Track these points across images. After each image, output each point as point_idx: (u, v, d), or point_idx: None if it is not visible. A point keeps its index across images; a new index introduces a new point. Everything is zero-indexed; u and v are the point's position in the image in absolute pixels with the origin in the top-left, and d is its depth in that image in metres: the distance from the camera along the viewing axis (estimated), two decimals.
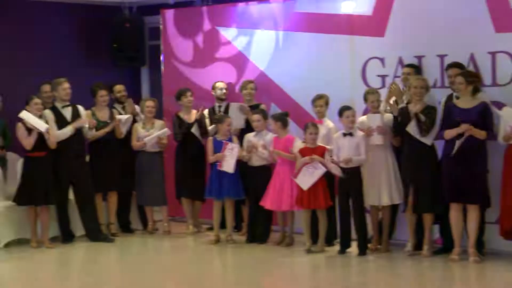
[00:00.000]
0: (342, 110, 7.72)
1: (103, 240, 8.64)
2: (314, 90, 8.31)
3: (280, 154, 8.04)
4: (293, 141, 8.08)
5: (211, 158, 8.45)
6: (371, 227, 7.91)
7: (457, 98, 7.35)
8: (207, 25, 9.67)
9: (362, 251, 7.67)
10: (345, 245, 7.79)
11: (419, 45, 7.92)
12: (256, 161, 8.34)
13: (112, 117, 8.85)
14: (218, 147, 8.33)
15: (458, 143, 7.01)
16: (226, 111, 8.88)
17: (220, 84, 9.13)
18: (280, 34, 9.02)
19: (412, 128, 7.37)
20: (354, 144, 7.61)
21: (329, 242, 8.04)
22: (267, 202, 8.11)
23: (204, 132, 8.90)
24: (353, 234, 7.82)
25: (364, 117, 7.87)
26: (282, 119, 8.15)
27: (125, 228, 9.26)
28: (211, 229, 8.88)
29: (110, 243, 8.62)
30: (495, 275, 6.87)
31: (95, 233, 8.69)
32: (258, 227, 8.38)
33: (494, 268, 7.03)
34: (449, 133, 7.17)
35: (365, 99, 7.80)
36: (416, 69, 7.79)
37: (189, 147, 8.96)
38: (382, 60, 8.20)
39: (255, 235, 8.40)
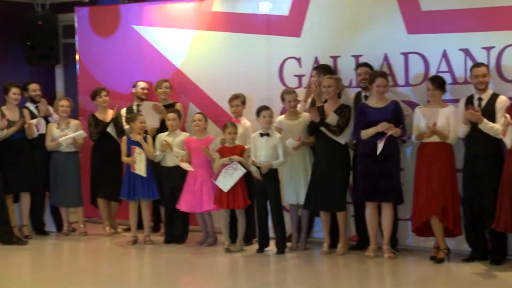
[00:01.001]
0: (260, 110, 7.74)
1: (15, 243, 8.40)
2: (232, 90, 8.33)
3: (208, 153, 8.01)
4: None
5: (123, 159, 8.37)
6: (290, 225, 7.97)
7: (366, 97, 7.49)
8: (123, 24, 9.52)
9: (281, 249, 7.71)
10: (263, 244, 7.82)
11: (334, 46, 8.03)
12: (170, 161, 8.29)
13: (22, 116, 8.60)
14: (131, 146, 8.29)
15: (380, 143, 7.11)
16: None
17: (141, 83, 9.04)
18: (197, 33, 8.98)
19: (326, 128, 7.48)
20: (272, 145, 7.63)
21: (248, 241, 8.06)
22: (182, 205, 8.10)
23: (120, 131, 8.79)
24: (272, 233, 7.87)
25: (282, 117, 7.91)
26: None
27: (39, 230, 9.04)
28: (128, 230, 8.77)
29: (23, 246, 8.39)
30: (408, 271, 7.04)
31: (7, 236, 8.43)
32: (176, 228, 8.33)
33: (407, 264, 7.20)
34: (367, 133, 7.29)
35: (282, 99, 7.85)
36: (326, 69, 7.87)
37: (105, 146, 8.83)
38: (298, 60, 8.27)
39: (173, 235, 8.35)
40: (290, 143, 7.62)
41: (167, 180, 8.29)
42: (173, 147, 8.22)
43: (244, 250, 7.90)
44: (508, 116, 6.61)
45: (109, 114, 8.89)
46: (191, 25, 9.02)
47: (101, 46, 9.70)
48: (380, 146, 7.11)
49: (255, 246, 7.91)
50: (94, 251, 8.41)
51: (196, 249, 8.10)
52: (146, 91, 9.01)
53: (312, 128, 7.55)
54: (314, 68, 7.98)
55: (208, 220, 8.24)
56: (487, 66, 7.03)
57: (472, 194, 7.06)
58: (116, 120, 8.80)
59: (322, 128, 7.45)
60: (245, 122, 8.14)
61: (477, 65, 7.07)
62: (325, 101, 7.64)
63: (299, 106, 7.91)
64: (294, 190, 7.77)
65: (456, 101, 7.22)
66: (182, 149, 8.23)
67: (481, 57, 7.20)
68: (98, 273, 7.35)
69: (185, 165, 8.10)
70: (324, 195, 7.47)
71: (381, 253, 7.37)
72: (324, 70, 7.82)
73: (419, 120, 7.21)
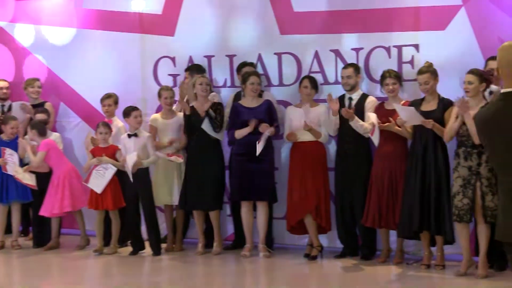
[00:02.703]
0: (130, 111, 7.59)
1: None
2: (105, 89, 8.16)
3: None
4: (53, 144, 7.89)
5: None
6: (165, 226, 7.89)
7: (244, 96, 7.51)
8: None
9: (156, 251, 7.61)
10: (137, 246, 7.69)
11: (208, 45, 8.01)
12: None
13: None
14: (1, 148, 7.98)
15: (259, 144, 7.14)
16: (9, 110, 8.47)
17: (0, 83, 8.64)
18: (68, 31, 8.72)
19: (206, 126, 7.44)
20: (141, 145, 7.52)
21: (122, 243, 7.90)
22: (42, 209, 7.85)
23: None
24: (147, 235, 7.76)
25: (157, 115, 7.82)
26: (38, 127, 7.90)
27: None
28: None
29: None
30: (282, 269, 7.09)
31: None
32: (46, 231, 8.04)
33: (282, 262, 7.26)
34: (240, 133, 7.31)
35: (159, 95, 7.77)
36: (198, 69, 7.83)
37: None
38: (173, 59, 8.20)
39: (43, 239, 8.05)
40: (161, 155, 7.57)
41: (36, 183, 7.99)
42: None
43: (118, 252, 7.75)
44: (374, 115, 6.82)
45: None
46: (61, 22, 8.75)
47: None
48: (259, 147, 7.15)
49: (130, 248, 7.77)
50: None
51: (68, 252, 7.87)
52: (5, 91, 8.60)
53: (190, 126, 7.50)
54: (186, 69, 7.92)
55: (79, 222, 8.04)
56: (355, 67, 7.19)
57: (343, 192, 7.23)
58: None
59: (203, 125, 7.41)
60: (117, 122, 8.00)
61: (345, 66, 7.25)
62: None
63: (174, 106, 7.84)
64: (168, 191, 7.70)
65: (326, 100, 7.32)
66: None
67: (350, 58, 7.36)
68: None
69: (26, 177, 7.84)
70: (199, 195, 7.44)
71: (257, 252, 7.41)
72: (196, 69, 7.79)
73: (291, 119, 7.31)
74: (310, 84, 7.26)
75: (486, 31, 6.81)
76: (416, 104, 6.73)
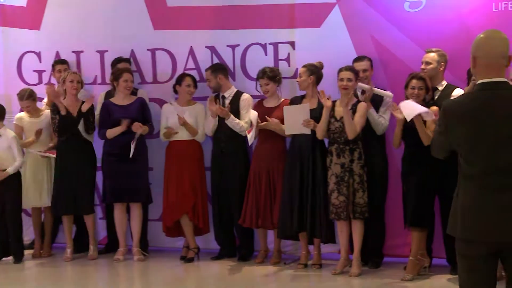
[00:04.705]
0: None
1: None
2: None
3: None
4: None
5: None
6: (39, 231, 7.54)
7: (116, 94, 7.28)
8: None
9: (18, 257, 7.24)
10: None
11: (77, 40, 7.71)
12: None
13: None
14: None
15: (133, 144, 6.95)
16: None
17: None
18: None
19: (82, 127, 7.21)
20: (5, 146, 7.13)
21: None
22: None
23: None
24: None
25: (22, 114, 7.47)
26: None
27: None
28: None
29: None
30: (158, 272, 6.93)
31: None
32: None
33: (157, 265, 7.09)
34: (112, 132, 7.10)
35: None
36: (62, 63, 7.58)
37: None
38: (38, 54, 7.84)
39: None
40: (34, 152, 7.30)
41: None
42: None
43: None
44: (255, 114, 6.73)
45: None
46: None
47: None
48: (133, 147, 6.97)
49: None
50: None
51: None
52: None
53: (66, 127, 7.17)
54: (55, 64, 7.60)
55: None
56: (212, 69, 7.05)
57: (220, 191, 7.13)
58: None
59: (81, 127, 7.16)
60: None
61: (206, 69, 7.17)
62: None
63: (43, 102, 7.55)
64: (38, 193, 7.38)
65: (202, 98, 7.20)
66: None
67: (226, 55, 7.27)
68: None
69: None
70: (72, 198, 7.18)
71: (131, 255, 7.22)
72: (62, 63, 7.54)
73: (167, 117, 7.15)
74: (193, 83, 7.11)
75: (359, 29, 6.89)
76: (296, 101, 6.73)
